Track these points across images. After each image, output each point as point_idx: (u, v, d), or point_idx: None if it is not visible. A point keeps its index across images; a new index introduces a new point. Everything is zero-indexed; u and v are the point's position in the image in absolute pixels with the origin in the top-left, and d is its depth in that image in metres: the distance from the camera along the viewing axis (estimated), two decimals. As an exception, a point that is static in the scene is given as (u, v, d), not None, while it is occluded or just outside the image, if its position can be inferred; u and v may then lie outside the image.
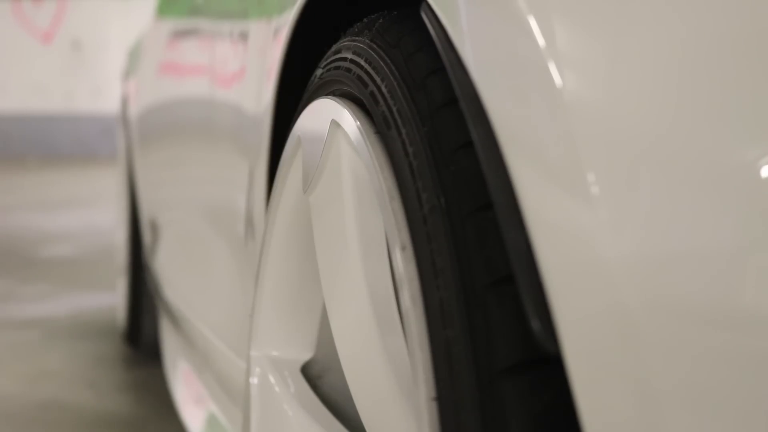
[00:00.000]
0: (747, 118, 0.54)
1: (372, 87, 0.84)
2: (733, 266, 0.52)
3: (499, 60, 0.65)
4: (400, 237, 0.73)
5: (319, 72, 0.99)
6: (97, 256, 4.29)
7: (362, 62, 0.87)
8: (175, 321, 2.05)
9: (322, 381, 1.06)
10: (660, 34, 0.57)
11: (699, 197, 0.54)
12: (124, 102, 3.21)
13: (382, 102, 0.81)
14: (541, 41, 0.61)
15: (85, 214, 5.52)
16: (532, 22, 0.62)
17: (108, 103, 8.75)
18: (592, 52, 0.60)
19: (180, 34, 2.00)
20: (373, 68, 0.84)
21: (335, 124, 0.89)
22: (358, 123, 0.84)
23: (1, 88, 9.01)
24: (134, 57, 3.09)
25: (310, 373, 1.06)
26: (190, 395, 1.86)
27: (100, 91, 9.05)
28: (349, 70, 0.89)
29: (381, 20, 0.88)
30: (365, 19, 0.93)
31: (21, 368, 2.74)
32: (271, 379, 1.04)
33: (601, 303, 0.56)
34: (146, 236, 2.57)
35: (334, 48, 0.96)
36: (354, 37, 0.91)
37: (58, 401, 2.48)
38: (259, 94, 1.16)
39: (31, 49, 9.04)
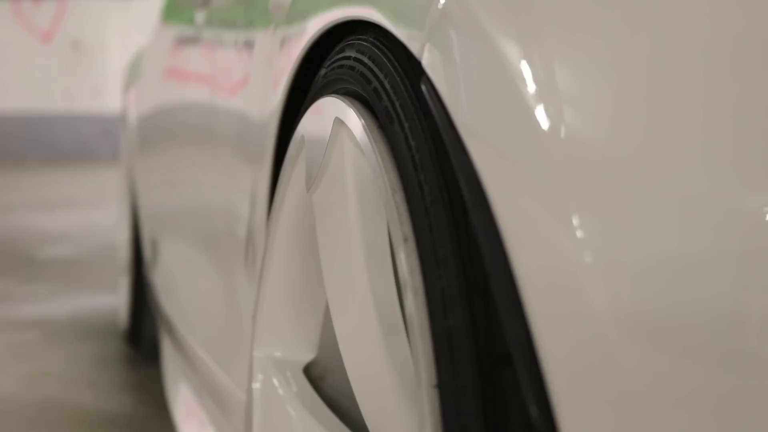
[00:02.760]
0: (729, 150, 0.54)
1: (375, 83, 0.84)
2: (721, 312, 0.53)
3: (498, 144, 0.65)
4: (403, 229, 0.74)
5: (323, 72, 0.99)
6: (97, 256, 4.28)
7: (365, 60, 0.87)
8: (176, 341, 2.04)
9: (325, 382, 1.06)
10: (647, 85, 0.58)
11: (689, 242, 0.54)
12: (125, 110, 3.22)
13: (385, 98, 0.82)
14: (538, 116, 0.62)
15: (85, 214, 5.52)
16: (529, 93, 0.63)
17: (108, 103, 8.74)
18: (578, 104, 0.61)
19: (184, 41, 2.00)
20: (377, 65, 0.85)
21: (339, 122, 0.89)
22: (362, 119, 0.85)
23: (1, 88, 9.00)
24: (134, 69, 3.10)
25: (312, 374, 1.06)
26: (190, 419, 1.84)
27: (100, 91, 9.04)
28: (352, 68, 0.90)
29: (384, 18, 0.88)
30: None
31: (21, 368, 2.74)
32: (275, 381, 1.04)
33: (587, 345, 0.57)
34: (146, 249, 2.57)
35: (337, 47, 0.96)
36: (357, 36, 0.91)
37: (58, 401, 2.48)
38: (263, 101, 1.17)
39: (31, 49, 9.03)
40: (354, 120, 0.86)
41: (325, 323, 1.06)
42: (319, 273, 1.00)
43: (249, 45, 1.33)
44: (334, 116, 0.90)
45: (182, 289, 1.97)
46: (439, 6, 0.72)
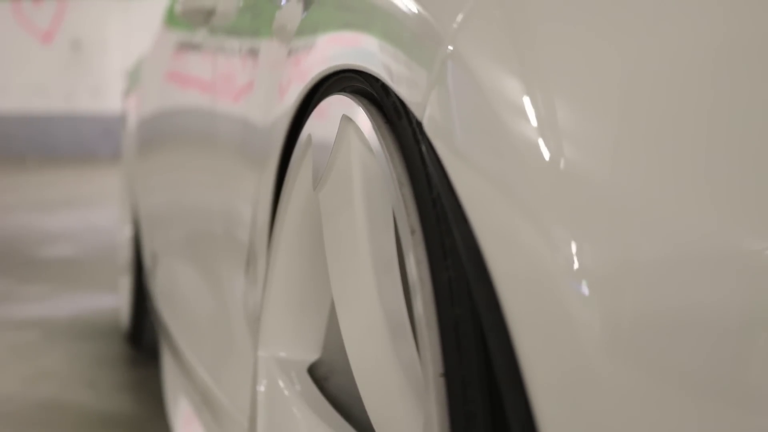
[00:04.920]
0: (723, 174, 0.54)
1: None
2: (705, 331, 0.53)
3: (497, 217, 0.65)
4: (410, 221, 0.75)
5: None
6: (97, 256, 4.28)
7: None
8: (176, 353, 2.02)
9: (329, 382, 1.05)
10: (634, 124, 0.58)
11: (673, 260, 0.54)
12: (125, 115, 3.23)
13: (392, 93, 0.82)
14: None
15: (85, 214, 5.52)
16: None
17: (108, 103, 8.75)
18: (565, 133, 0.61)
19: (187, 46, 1.99)
20: None
21: (346, 119, 0.89)
22: (369, 116, 0.84)
23: (1, 88, 9.01)
24: (135, 75, 3.11)
25: (316, 374, 1.06)
26: None
27: (100, 91, 9.05)
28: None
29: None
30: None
31: (21, 368, 2.74)
32: (280, 382, 1.04)
33: (571, 364, 0.58)
34: (146, 259, 2.56)
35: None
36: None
37: (58, 401, 2.47)
38: (268, 107, 1.17)
39: (31, 49, 9.03)
40: (362, 116, 0.86)
41: (330, 323, 1.06)
42: (324, 272, 0.99)
43: (254, 52, 1.33)
44: (342, 113, 0.90)
45: (180, 300, 1.96)
46: (448, 50, 0.71)
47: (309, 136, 0.99)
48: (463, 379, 0.69)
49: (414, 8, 0.78)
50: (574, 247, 0.58)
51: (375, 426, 0.85)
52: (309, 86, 1.01)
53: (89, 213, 5.53)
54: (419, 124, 0.76)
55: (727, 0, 0.58)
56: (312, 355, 1.06)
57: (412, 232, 0.74)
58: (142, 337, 2.89)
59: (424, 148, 0.75)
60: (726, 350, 0.52)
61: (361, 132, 0.85)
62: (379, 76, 0.83)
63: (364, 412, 0.99)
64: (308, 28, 1.06)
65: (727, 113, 0.55)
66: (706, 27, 0.58)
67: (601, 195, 0.57)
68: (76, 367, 2.75)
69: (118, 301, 3.37)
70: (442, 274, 0.71)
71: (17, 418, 2.36)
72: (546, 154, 0.60)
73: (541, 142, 0.61)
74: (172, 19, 2.34)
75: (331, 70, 0.95)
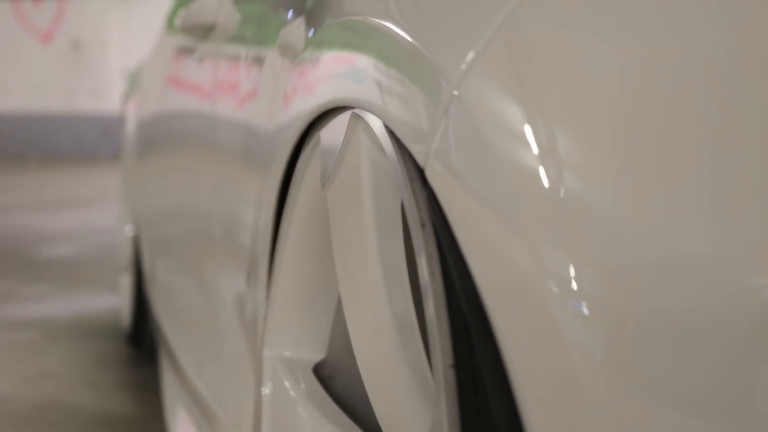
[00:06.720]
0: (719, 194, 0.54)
1: None
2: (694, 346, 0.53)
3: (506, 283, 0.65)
4: (420, 215, 0.75)
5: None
6: (97, 256, 4.28)
7: None
8: (175, 363, 2.02)
9: (334, 381, 1.05)
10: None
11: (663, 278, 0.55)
12: (124, 120, 3.24)
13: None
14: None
15: (85, 214, 5.51)
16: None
17: (108, 103, 8.75)
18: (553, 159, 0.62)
19: (187, 52, 1.98)
20: None
21: (355, 116, 0.88)
22: None
23: (1, 88, 9.00)
24: (134, 80, 3.10)
25: (321, 373, 1.05)
26: None
27: (100, 91, 9.05)
28: None
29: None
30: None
31: (21, 368, 2.73)
32: (286, 382, 1.04)
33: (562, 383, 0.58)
34: (146, 266, 2.56)
35: None
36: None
37: (58, 401, 2.47)
38: (273, 114, 1.16)
39: (31, 49, 9.03)
40: (370, 114, 0.85)
41: (335, 322, 1.05)
42: (330, 272, 0.99)
43: (259, 61, 1.33)
44: (351, 111, 0.90)
45: (178, 308, 1.96)
46: (455, 93, 0.71)
47: (318, 137, 0.99)
48: (474, 369, 0.69)
49: (420, 43, 0.78)
50: (569, 268, 0.58)
51: (382, 425, 0.84)
52: (324, 108, 1.00)
53: (89, 213, 5.53)
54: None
55: (710, 34, 0.58)
56: (317, 355, 1.06)
57: (423, 226, 0.74)
58: (142, 337, 2.89)
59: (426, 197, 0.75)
60: (723, 367, 0.52)
61: (370, 128, 0.85)
62: (378, 115, 0.83)
63: (370, 410, 0.98)
64: (313, 45, 1.06)
65: (724, 133, 0.55)
66: (699, 59, 0.58)
67: (596, 215, 0.58)
68: (76, 367, 2.75)
69: (118, 301, 3.36)
70: (453, 267, 0.71)
71: (17, 418, 2.36)
72: (546, 182, 0.61)
73: (541, 170, 0.61)
74: (172, 24, 2.34)
75: (333, 105, 0.95)
